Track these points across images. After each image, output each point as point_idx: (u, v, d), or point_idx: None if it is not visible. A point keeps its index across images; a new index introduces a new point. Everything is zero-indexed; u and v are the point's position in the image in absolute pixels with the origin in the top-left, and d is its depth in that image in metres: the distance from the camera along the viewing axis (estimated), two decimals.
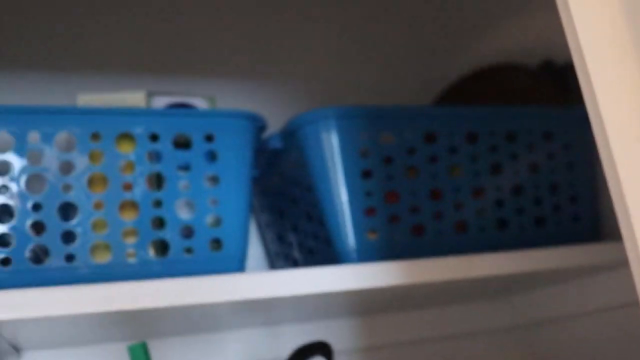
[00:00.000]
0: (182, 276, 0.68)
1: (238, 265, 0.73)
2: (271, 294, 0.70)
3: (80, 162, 0.68)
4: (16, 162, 0.66)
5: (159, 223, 0.71)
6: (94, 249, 0.68)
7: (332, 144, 0.77)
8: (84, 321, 0.70)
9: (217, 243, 0.72)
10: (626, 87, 0.46)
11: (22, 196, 0.66)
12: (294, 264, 0.92)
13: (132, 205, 0.70)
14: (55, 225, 0.66)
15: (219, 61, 1.06)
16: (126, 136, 0.70)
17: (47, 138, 0.67)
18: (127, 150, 0.70)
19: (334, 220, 0.77)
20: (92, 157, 0.69)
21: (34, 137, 0.66)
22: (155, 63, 1.01)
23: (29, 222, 0.66)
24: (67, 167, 0.67)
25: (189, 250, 0.71)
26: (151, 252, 0.70)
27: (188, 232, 0.71)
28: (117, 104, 0.77)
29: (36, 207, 0.66)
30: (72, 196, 0.67)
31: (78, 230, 0.67)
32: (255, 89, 1.07)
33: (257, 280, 0.70)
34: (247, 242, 0.74)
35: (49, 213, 0.66)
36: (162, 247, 0.71)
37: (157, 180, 0.74)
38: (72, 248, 0.67)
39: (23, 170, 0.66)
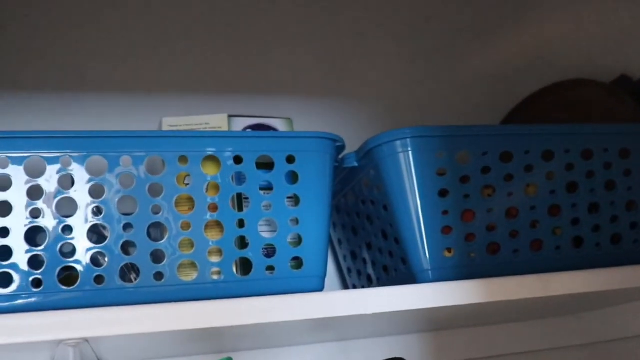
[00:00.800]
0: (264, 294, 0.70)
1: (318, 284, 0.74)
2: (350, 312, 0.71)
3: (169, 184, 0.70)
4: (109, 185, 0.69)
5: (242, 242, 0.73)
6: (181, 268, 0.71)
7: (409, 163, 0.78)
8: (168, 337, 0.73)
9: (297, 262, 0.74)
10: None
11: (114, 217, 0.68)
12: (368, 280, 0.93)
13: (217, 225, 0.72)
14: (145, 245, 0.69)
15: (295, 83, 1.09)
16: (211, 158, 0.72)
17: (138, 161, 0.70)
18: (212, 172, 0.72)
19: (410, 238, 0.79)
20: (179, 179, 0.71)
21: (126, 160, 0.69)
22: (234, 85, 1.04)
23: (120, 242, 0.68)
24: (156, 189, 0.70)
25: (270, 269, 0.73)
26: (234, 271, 0.72)
27: (270, 251, 0.73)
28: (200, 126, 0.79)
29: (127, 227, 0.69)
30: (161, 217, 0.70)
31: (166, 250, 0.70)
32: (330, 109, 1.09)
33: (337, 299, 0.71)
34: (327, 261, 0.76)
35: (139, 233, 0.69)
36: (245, 266, 0.73)
37: (238, 201, 0.76)
38: (160, 267, 0.69)
39: (116, 192, 0.69)
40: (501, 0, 1.20)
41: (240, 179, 0.74)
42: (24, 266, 0.66)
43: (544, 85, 1.11)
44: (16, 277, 0.66)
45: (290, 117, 0.85)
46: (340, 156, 0.82)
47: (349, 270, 0.98)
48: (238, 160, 0.73)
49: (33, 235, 0.67)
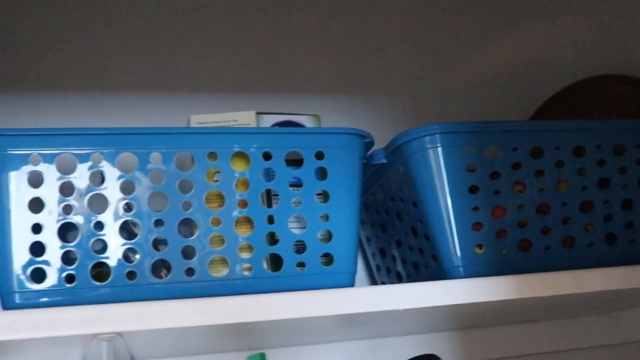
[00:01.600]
0: (294, 290, 0.70)
1: (348, 280, 0.74)
2: (381, 308, 0.71)
3: (198, 180, 0.71)
4: (139, 181, 0.69)
5: (272, 239, 0.73)
6: (211, 264, 0.71)
7: (438, 159, 0.78)
8: (200, 333, 0.73)
9: (328, 258, 0.74)
10: None
11: (145, 213, 0.69)
12: (398, 278, 0.92)
13: (247, 221, 0.72)
14: (176, 241, 0.69)
15: (322, 80, 1.09)
16: (241, 155, 0.72)
17: (167, 158, 0.70)
18: (241, 168, 0.72)
19: (441, 235, 0.78)
20: (209, 175, 0.71)
21: (156, 157, 0.70)
22: (262, 83, 1.05)
23: (151, 239, 0.69)
24: (186, 186, 0.70)
25: (301, 265, 0.73)
26: (265, 267, 0.72)
27: (300, 247, 0.73)
28: (228, 123, 0.79)
29: (158, 223, 0.69)
30: (191, 213, 0.70)
31: (197, 246, 0.70)
32: (357, 106, 1.09)
33: (368, 294, 0.71)
34: (357, 257, 0.75)
35: (170, 229, 0.69)
36: (276, 262, 0.73)
37: (267, 197, 0.76)
38: (191, 263, 0.69)
39: (146, 189, 0.69)
40: None
41: (269, 175, 0.74)
42: (57, 262, 0.67)
43: (577, 80, 1.11)
44: (50, 272, 0.66)
45: (318, 114, 0.85)
46: (369, 153, 0.82)
47: (378, 268, 0.98)
48: (267, 156, 0.73)
49: (65, 232, 0.68)
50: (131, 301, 0.66)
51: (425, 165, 0.78)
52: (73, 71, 0.99)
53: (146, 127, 0.70)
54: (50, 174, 0.67)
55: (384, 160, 0.83)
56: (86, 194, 0.68)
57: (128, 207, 0.69)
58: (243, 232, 0.72)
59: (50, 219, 0.67)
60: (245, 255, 0.71)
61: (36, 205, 0.67)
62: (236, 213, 0.71)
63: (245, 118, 0.79)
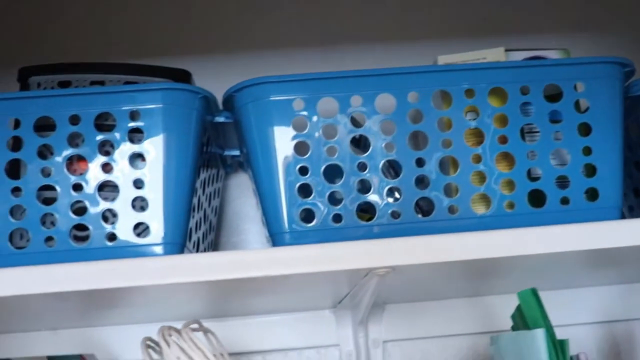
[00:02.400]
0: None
1: (615, 215, 0.71)
2: None
3: (457, 118, 0.70)
4: (400, 122, 0.70)
5: (533, 174, 0.71)
6: (473, 201, 0.70)
7: None
8: (459, 269, 0.73)
9: (592, 193, 0.71)
10: None
11: (407, 153, 0.69)
12: None
13: (507, 157, 0.71)
14: (438, 179, 0.69)
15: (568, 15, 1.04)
16: (497, 90, 0.71)
17: (425, 97, 0.70)
18: (498, 104, 0.71)
19: None
20: (465, 113, 0.70)
21: (412, 96, 0.70)
22: (509, 23, 1.02)
23: (413, 178, 0.69)
24: (444, 124, 0.70)
25: (565, 201, 0.70)
26: (527, 203, 0.70)
27: (563, 182, 0.71)
28: (477, 61, 0.78)
29: (419, 163, 0.70)
30: (450, 151, 0.70)
31: (458, 183, 0.69)
32: (607, 39, 1.03)
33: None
34: (622, 191, 0.72)
35: (431, 168, 0.69)
36: (538, 198, 0.71)
37: (526, 132, 0.74)
38: (453, 200, 0.69)
39: (406, 129, 0.70)
40: None
41: (527, 110, 0.72)
42: (324, 202, 0.69)
43: None
44: (317, 213, 0.69)
45: (568, 49, 0.82)
46: (626, 84, 0.77)
47: (631, 209, 0.92)
48: (524, 91, 0.71)
49: (330, 173, 0.70)
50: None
51: None
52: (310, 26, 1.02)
53: (402, 67, 0.70)
54: (313, 117, 0.69)
55: None
56: (347, 135, 0.70)
57: (388, 148, 0.70)
58: (503, 169, 0.71)
59: (315, 161, 0.69)
60: (506, 191, 0.70)
61: (302, 149, 0.69)
62: (496, 149, 0.70)
63: (494, 55, 0.78)
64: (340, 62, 1.00)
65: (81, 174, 0.68)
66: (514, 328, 0.73)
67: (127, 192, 0.68)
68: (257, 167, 0.70)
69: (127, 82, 0.76)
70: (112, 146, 0.69)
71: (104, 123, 0.69)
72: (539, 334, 0.64)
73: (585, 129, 0.72)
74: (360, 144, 0.72)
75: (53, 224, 0.68)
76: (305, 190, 0.69)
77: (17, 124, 0.69)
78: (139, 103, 0.69)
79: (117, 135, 0.69)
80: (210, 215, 0.83)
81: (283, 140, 0.69)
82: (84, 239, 0.68)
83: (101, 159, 0.68)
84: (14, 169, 0.70)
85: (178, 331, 0.66)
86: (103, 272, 0.63)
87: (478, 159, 0.70)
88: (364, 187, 0.70)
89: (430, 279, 0.77)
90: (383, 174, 0.69)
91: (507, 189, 0.70)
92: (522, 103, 0.71)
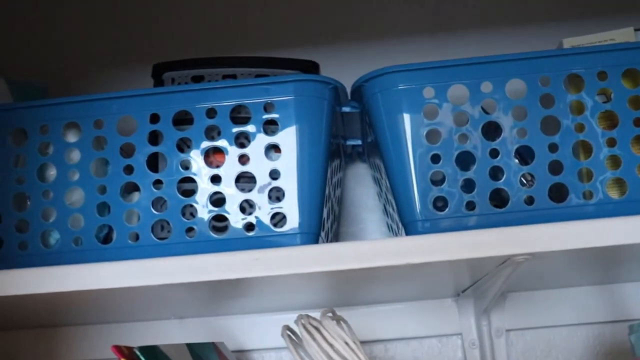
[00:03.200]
0: None
1: None
2: None
3: (589, 100, 0.69)
4: (532, 106, 0.69)
5: None
6: (607, 186, 0.69)
7: None
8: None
9: None
10: None
11: (540, 139, 0.69)
12: None
13: None
14: (572, 164, 0.69)
15: None
16: (632, 72, 0.69)
17: (557, 81, 0.69)
18: (632, 85, 0.69)
19: None
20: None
21: (544, 80, 0.69)
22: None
23: (547, 162, 0.69)
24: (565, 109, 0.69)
25: None
26: None
27: None
28: (605, 42, 0.76)
29: (552, 148, 0.69)
30: (585, 135, 0.69)
31: (592, 168, 0.68)
32: None
33: None
34: None
35: (565, 152, 0.69)
36: None
37: None
38: (588, 186, 0.68)
39: (538, 114, 0.69)
40: None
41: None
42: (457, 190, 0.69)
43: None
44: (450, 200, 0.69)
45: None
46: None
47: None
48: None
49: (463, 161, 0.70)
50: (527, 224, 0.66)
51: None
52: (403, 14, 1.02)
53: (534, 51, 0.70)
54: (444, 105, 0.70)
55: None
56: (479, 121, 0.69)
57: (520, 134, 0.69)
58: (638, 152, 0.69)
59: (447, 149, 0.69)
60: None
61: (432, 136, 0.70)
62: (633, 132, 0.69)
63: (623, 36, 0.76)
64: (465, 49, 0.99)
65: (218, 166, 0.70)
66: None
67: (264, 183, 0.70)
68: (388, 157, 0.71)
69: (257, 75, 0.78)
70: (247, 138, 0.71)
71: (237, 116, 0.71)
72: None
73: None
74: (489, 130, 0.72)
75: (193, 215, 0.70)
76: (437, 178, 0.70)
77: (154, 118, 0.71)
78: (272, 95, 0.70)
79: (253, 127, 0.70)
80: (335, 205, 0.84)
81: (414, 129, 0.70)
82: (223, 229, 0.70)
83: (237, 150, 0.70)
84: (153, 163, 0.72)
85: (316, 320, 0.67)
86: (247, 262, 0.65)
87: (612, 142, 0.69)
88: (495, 174, 0.70)
89: (563, 266, 0.76)
90: (516, 159, 0.69)
91: None
92: None
